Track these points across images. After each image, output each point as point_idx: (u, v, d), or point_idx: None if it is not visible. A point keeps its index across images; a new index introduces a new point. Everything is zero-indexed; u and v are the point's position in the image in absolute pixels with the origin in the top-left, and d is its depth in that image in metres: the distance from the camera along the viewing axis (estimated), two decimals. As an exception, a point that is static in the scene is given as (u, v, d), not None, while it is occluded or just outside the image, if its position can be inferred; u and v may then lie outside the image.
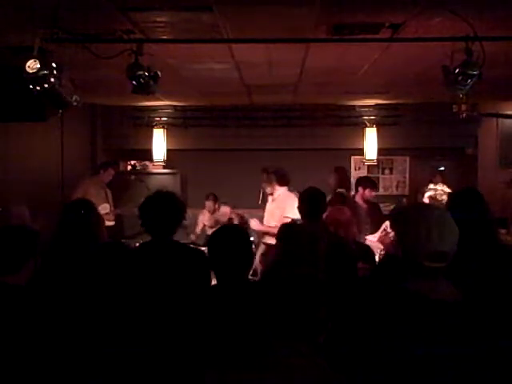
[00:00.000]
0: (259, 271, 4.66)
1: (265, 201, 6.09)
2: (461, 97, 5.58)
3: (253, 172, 6.15)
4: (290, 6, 3.10)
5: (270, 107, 8.27)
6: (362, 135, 8.23)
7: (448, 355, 1.69)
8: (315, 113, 8.30)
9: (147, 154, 8.32)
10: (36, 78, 3.16)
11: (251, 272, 2.93)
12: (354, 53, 4.28)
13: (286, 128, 8.33)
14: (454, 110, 6.56)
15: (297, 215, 5.21)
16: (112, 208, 7.06)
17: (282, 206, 5.46)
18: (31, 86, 3.21)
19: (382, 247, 4.51)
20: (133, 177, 8.62)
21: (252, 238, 2.86)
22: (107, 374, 2.04)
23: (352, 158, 8.74)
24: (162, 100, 7.59)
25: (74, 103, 3.51)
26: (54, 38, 3.20)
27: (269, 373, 1.68)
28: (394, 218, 2.07)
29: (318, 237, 3.23)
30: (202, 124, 8.40)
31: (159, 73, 3.52)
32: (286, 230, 3.40)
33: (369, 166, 8.68)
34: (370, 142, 8.17)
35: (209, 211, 7.38)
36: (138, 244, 3.66)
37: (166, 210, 3.07)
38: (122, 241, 4.29)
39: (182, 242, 3.42)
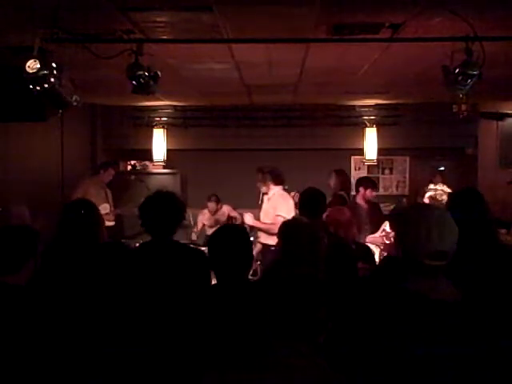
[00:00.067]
0: (259, 271, 4.66)
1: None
2: (461, 97, 5.59)
3: (253, 172, 6.15)
4: (290, 6, 3.10)
5: (270, 107, 8.27)
6: (362, 135, 8.23)
7: (448, 355, 1.69)
8: (315, 113, 8.30)
9: (147, 154, 8.32)
10: (36, 77, 3.16)
11: (251, 272, 2.93)
12: (353, 53, 4.28)
13: (286, 128, 8.33)
14: (454, 110, 6.56)
15: (289, 214, 5.25)
16: (112, 208, 7.06)
17: (275, 205, 5.50)
18: (31, 86, 3.21)
19: (382, 242, 4.52)
20: (133, 177, 8.62)
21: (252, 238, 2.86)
22: (107, 373, 2.04)
23: (352, 157, 8.74)
24: (162, 100, 7.59)
25: (74, 103, 3.51)
26: (54, 37, 3.19)
27: (269, 373, 1.68)
28: (393, 218, 2.07)
29: (318, 237, 3.23)
30: (201, 124, 8.40)
31: (159, 73, 3.52)
32: (286, 229, 3.40)
33: (369, 166, 8.68)
34: (370, 142, 8.18)
35: (210, 212, 7.38)
36: (138, 244, 3.66)
37: (166, 210, 3.07)
38: (122, 241, 4.30)
39: (181, 241, 3.43)
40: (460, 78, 3.30)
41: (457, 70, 3.29)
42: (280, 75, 5.31)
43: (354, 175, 8.35)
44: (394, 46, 3.97)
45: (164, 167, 8.53)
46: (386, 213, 6.58)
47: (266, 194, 5.78)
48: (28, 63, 3.13)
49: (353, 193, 6.91)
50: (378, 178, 8.66)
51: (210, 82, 5.77)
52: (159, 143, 8.24)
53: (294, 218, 4.46)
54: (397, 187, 8.89)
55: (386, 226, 4.74)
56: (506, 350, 1.79)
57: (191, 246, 4.14)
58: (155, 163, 8.40)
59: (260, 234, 5.56)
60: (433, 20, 3.30)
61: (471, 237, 2.53)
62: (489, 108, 7.73)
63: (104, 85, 5.77)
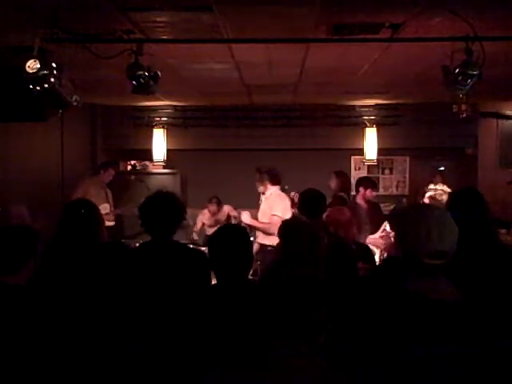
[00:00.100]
0: (259, 271, 4.66)
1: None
2: (461, 97, 5.58)
3: (253, 172, 6.14)
4: (290, 6, 3.10)
5: (270, 107, 8.27)
6: (362, 135, 8.23)
7: (448, 355, 1.69)
8: (315, 113, 8.30)
9: (147, 154, 8.32)
10: (36, 77, 3.16)
11: (251, 272, 2.93)
12: (354, 53, 4.28)
13: (286, 128, 8.33)
14: (454, 110, 6.56)
15: (285, 214, 5.26)
16: (112, 208, 7.06)
17: (271, 205, 5.52)
18: (31, 86, 3.21)
19: (382, 242, 4.51)
20: (133, 177, 8.62)
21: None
22: (107, 374, 2.03)
23: (352, 157, 8.74)
24: (162, 100, 7.59)
25: (74, 103, 3.51)
26: (54, 37, 3.19)
27: (269, 373, 1.68)
28: (393, 218, 2.07)
29: (318, 237, 3.23)
30: (202, 124, 8.40)
31: (159, 73, 3.52)
32: (286, 229, 3.40)
33: (369, 166, 8.68)
34: (370, 142, 8.17)
35: (210, 212, 7.38)
36: (138, 244, 3.66)
37: (166, 210, 3.07)
38: (122, 241, 4.30)
39: (182, 242, 3.43)
40: (460, 78, 3.30)
41: (457, 70, 3.29)
42: (280, 75, 5.31)
43: (354, 175, 8.35)
44: (394, 46, 3.97)
45: (164, 167, 8.53)
46: (386, 213, 6.58)
47: (263, 193, 5.79)
48: (28, 63, 3.13)
49: (353, 193, 6.91)
50: (378, 177, 8.65)
51: (209, 82, 5.77)
52: (159, 143, 8.24)
53: (294, 217, 4.46)
54: (397, 187, 8.89)
55: (386, 226, 4.74)
56: (506, 350, 1.79)
57: (191, 246, 4.14)
58: (155, 163, 8.40)
59: (258, 233, 5.57)
60: (433, 20, 3.30)
61: (471, 237, 2.53)
62: (489, 108, 7.73)
63: (104, 85, 5.77)
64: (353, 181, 7.46)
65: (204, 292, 2.67)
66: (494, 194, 6.00)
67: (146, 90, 3.53)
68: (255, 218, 5.66)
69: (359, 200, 6.12)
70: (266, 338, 1.77)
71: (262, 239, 5.43)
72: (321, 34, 3.63)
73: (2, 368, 2.19)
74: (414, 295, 1.76)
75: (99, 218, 3.46)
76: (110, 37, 3.53)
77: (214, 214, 7.36)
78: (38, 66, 3.13)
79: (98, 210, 3.55)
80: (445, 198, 4.78)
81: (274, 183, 5.68)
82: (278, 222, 5.37)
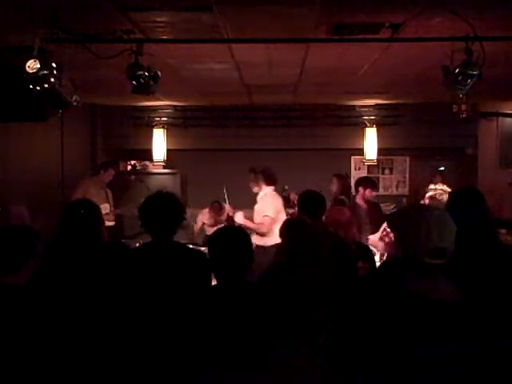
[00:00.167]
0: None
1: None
2: (461, 97, 5.59)
3: (253, 172, 6.16)
4: (290, 6, 3.09)
5: (270, 107, 8.27)
6: (362, 135, 8.23)
7: (448, 355, 1.70)
8: (315, 113, 8.30)
9: (147, 154, 8.31)
10: (36, 77, 3.16)
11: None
12: (354, 53, 4.28)
13: (286, 128, 8.33)
14: (454, 110, 6.56)
15: (276, 214, 5.28)
16: (112, 208, 7.06)
17: (263, 205, 5.55)
18: (31, 86, 3.21)
19: (383, 244, 4.51)
20: (133, 177, 8.62)
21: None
22: (107, 374, 2.04)
23: (352, 157, 8.75)
24: (162, 100, 7.59)
25: (74, 103, 3.50)
26: (54, 37, 3.19)
27: (269, 373, 1.68)
28: (393, 218, 2.07)
29: (319, 237, 3.23)
30: (202, 124, 8.40)
31: (159, 73, 3.52)
32: (288, 229, 3.40)
33: (369, 165, 8.68)
34: (370, 142, 8.17)
35: (210, 213, 7.36)
36: (138, 244, 3.66)
37: (166, 210, 3.07)
38: (122, 241, 4.30)
39: (182, 242, 3.43)
40: (460, 78, 3.30)
41: (457, 70, 3.29)
42: (280, 75, 5.31)
43: (354, 175, 8.36)
44: (394, 45, 3.97)
45: (164, 167, 8.53)
46: (386, 213, 6.57)
47: (258, 194, 5.79)
48: (28, 63, 3.13)
49: (353, 193, 6.91)
50: (378, 177, 8.66)
51: (210, 82, 5.77)
52: (159, 143, 8.24)
53: (296, 217, 4.46)
54: (397, 187, 8.89)
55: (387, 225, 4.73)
56: (506, 350, 1.79)
57: (191, 246, 4.14)
58: (155, 163, 8.40)
59: (252, 234, 5.58)
60: (433, 20, 3.30)
61: (471, 237, 2.53)
62: (489, 108, 7.73)
63: (104, 85, 5.76)
64: (353, 181, 7.46)
65: (204, 292, 2.67)
66: (493, 194, 5.99)
67: (146, 90, 3.53)
68: (253, 218, 5.67)
69: (359, 200, 6.12)
70: (266, 337, 1.77)
71: (257, 240, 5.42)
72: (321, 34, 3.63)
73: (2, 368, 2.19)
74: (414, 295, 1.76)
75: (100, 218, 3.46)
76: (110, 37, 3.53)
77: (213, 216, 7.34)
78: (38, 66, 3.13)
79: (99, 210, 3.55)
80: (445, 197, 4.78)
81: (268, 183, 5.69)
82: (268, 223, 5.42)
